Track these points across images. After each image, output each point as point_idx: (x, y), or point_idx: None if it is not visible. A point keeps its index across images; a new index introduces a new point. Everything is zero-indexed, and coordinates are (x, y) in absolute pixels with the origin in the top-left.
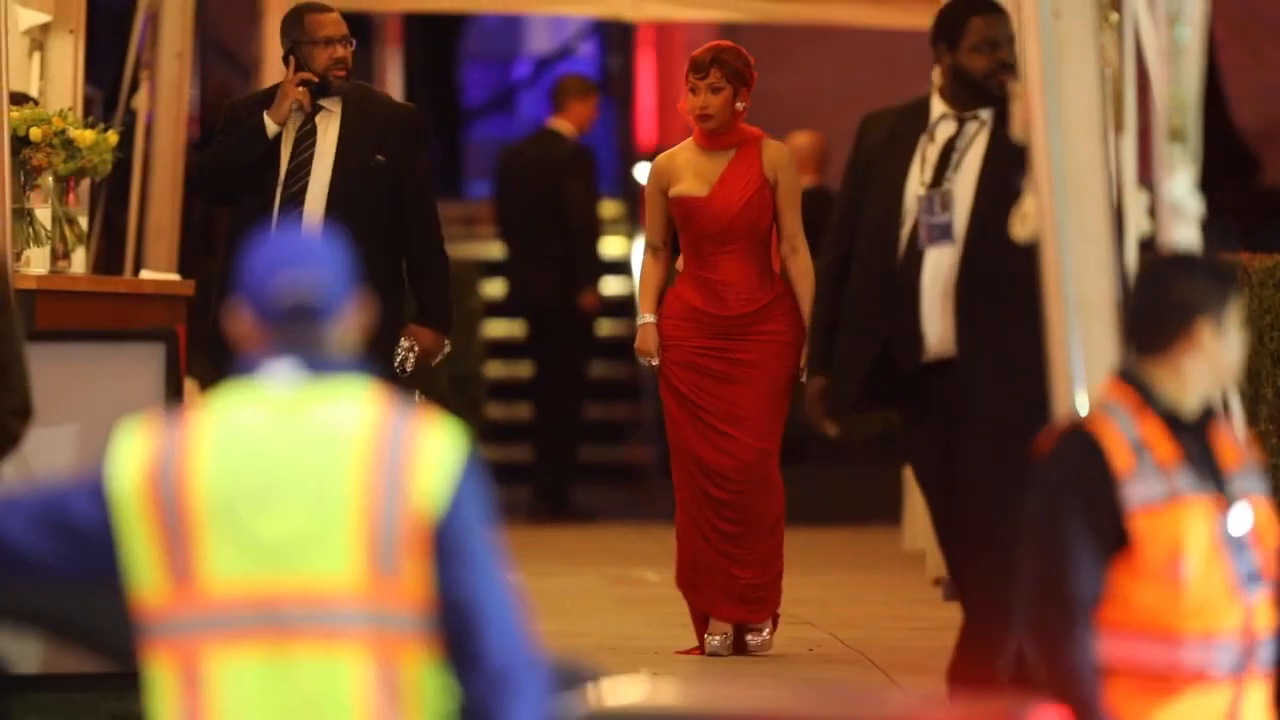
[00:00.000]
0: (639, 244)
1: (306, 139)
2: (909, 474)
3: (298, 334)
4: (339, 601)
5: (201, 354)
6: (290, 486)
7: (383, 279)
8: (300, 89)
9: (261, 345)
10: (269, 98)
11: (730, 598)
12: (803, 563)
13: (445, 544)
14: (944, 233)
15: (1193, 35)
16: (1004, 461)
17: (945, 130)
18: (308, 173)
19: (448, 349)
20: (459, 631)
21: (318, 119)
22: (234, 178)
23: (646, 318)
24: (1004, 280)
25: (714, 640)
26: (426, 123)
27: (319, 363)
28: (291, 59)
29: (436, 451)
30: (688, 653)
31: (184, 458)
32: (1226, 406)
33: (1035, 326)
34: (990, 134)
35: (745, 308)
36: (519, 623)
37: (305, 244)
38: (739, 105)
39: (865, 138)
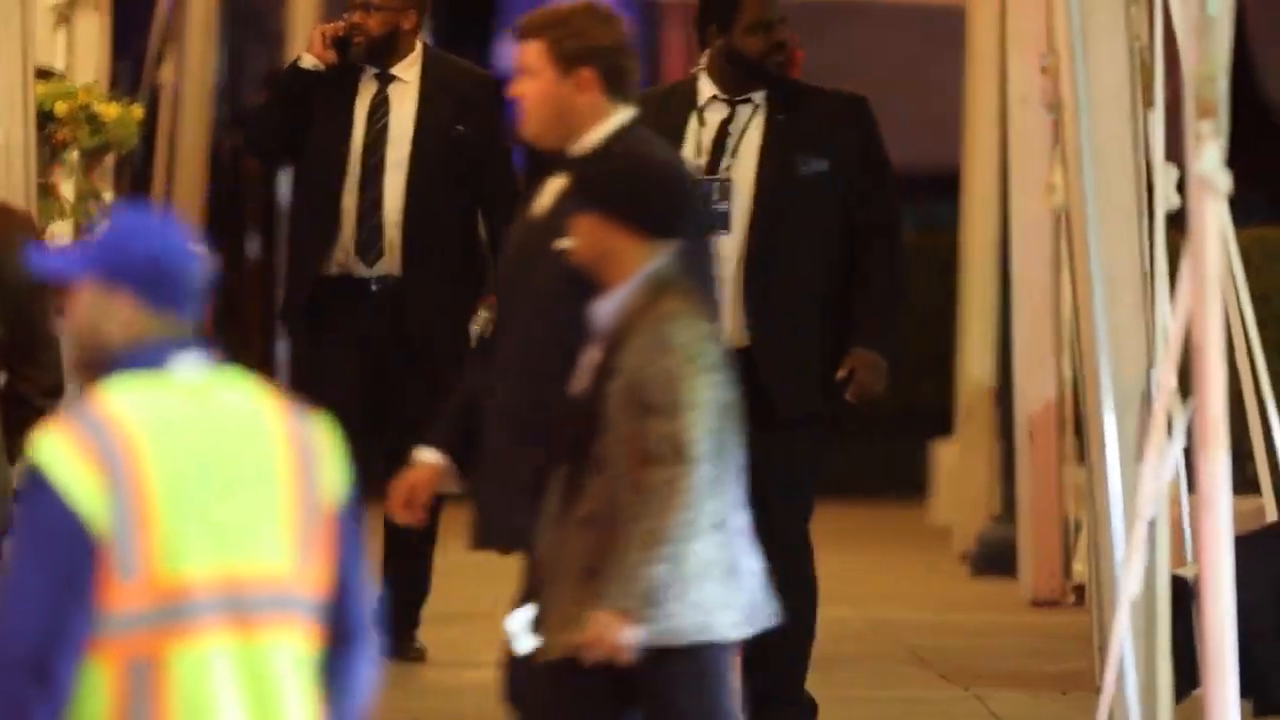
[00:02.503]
0: None
1: (380, 109)
2: (935, 449)
3: (191, 320)
4: (281, 586)
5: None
6: (234, 474)
7: (460, 249)
8: (319, 28)
9: (152, 332)
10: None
11: None
12: (826, 539)
13: (339, 529)
14: (721, 221)
15: (1222, 8)
16: (792, 455)
17: (716, 113)
18: (384, 148)
19: None
20: (335, 608)
21: (390, 90)
22: (278, 123)
23: None
24: (790, 268)
25: None
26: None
27: (203, 349)
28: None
29: (329, 439)
30: None
31: (127, 452)
32: (1257, 381)
33: (822, 314)
34: (766, 118)
35: None
36: (369, 593)
37: (179, 228)
38: None
39: None
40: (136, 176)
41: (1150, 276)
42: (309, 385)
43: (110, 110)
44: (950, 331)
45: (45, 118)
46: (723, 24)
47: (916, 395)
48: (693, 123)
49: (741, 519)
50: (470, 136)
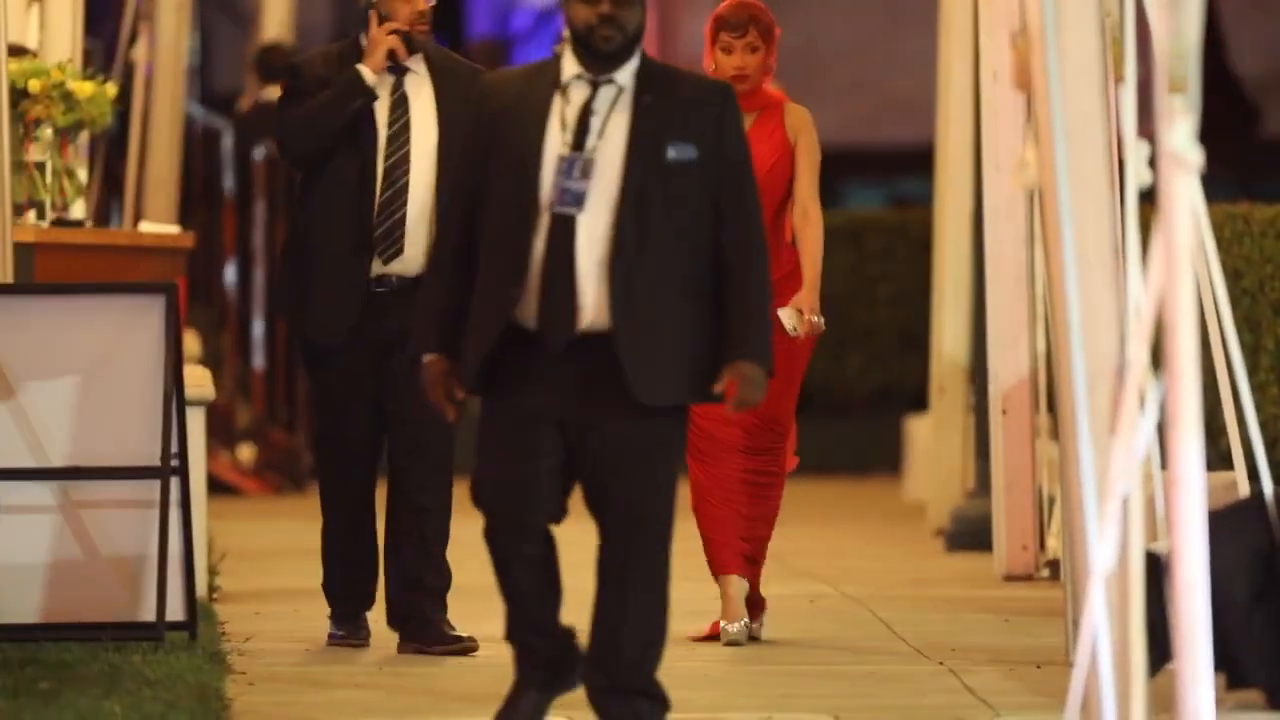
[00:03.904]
0: None
1: (401, 104)
2: (909, 425)
3: None
4: None
5: (201, 305)
6: None
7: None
8: (393, 36)
9: None
10: (342, 55)
11: (735, 555)
12: (803, 514)
13: None
14: (575, 199)
15: None
16: (654, 439)
17: (579, 92)
18: (408, 138)
19: None
20: None
21: (406, 81)
22: (330, 134)
23: None
24: (657, 254)
25: (732, 628)
26: None
27: None
28: (372, 13)
29: None
30: (703, 638)
31: None
32: (1228, 357)
33: (690, 303)
34: (633, 100)
35: None
36: None
37: None
38: (769, 65)
39: (488, 103)
40: (110, 155)
41: (1122, 252)
42: (334, 405)
43: (84, 88)
44: (925, 308)
45: (19, 95)
46: None
47: (891, 372)
48: (556, 100)
49: None
50: None
